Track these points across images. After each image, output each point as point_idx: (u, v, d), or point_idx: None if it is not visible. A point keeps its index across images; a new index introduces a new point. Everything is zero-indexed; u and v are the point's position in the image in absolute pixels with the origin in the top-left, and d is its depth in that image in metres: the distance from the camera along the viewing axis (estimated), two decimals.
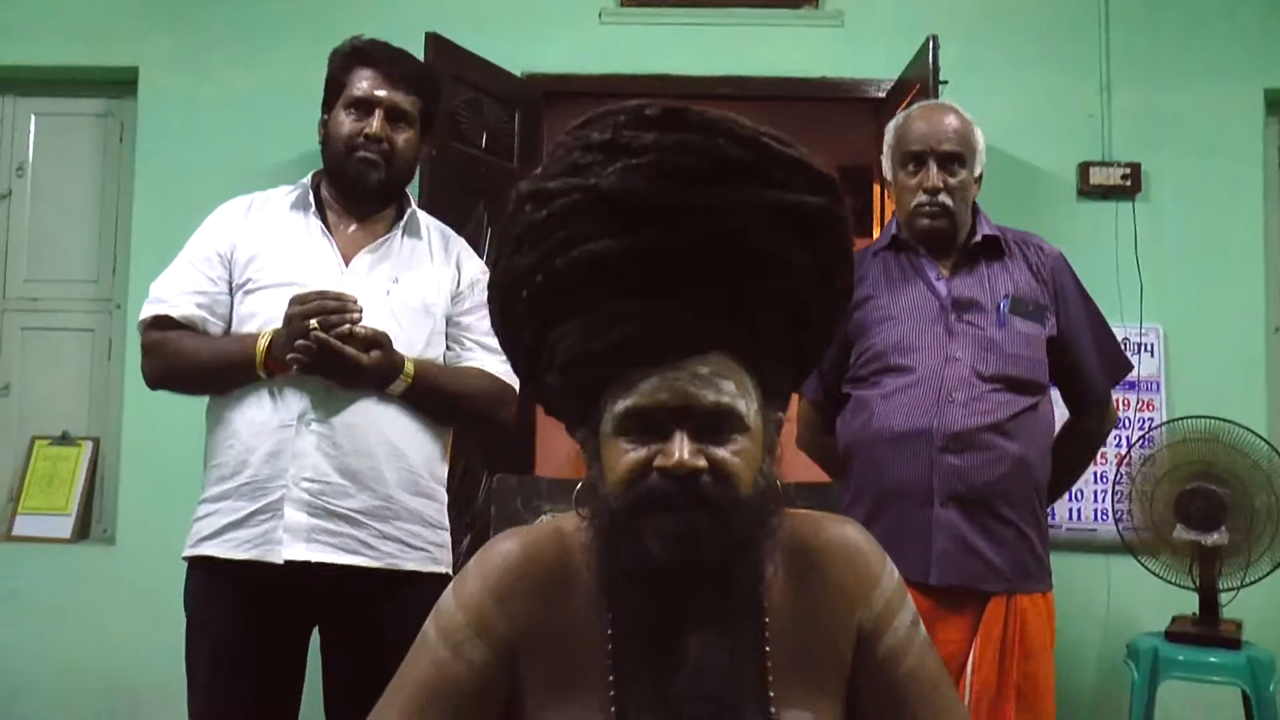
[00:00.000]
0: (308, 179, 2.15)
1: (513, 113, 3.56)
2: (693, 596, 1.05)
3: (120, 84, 3.76)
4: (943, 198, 2.21)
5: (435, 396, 2.06)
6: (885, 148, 2.34)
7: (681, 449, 1.02)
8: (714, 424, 1.04)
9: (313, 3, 3.60)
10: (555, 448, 3.68)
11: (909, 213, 2.25)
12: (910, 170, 2.25)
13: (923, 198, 2.22)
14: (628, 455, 1.04)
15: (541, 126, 3.66)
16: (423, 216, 2.20)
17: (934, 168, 2.21)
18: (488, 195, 3.37)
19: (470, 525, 3.27)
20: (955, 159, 2.22)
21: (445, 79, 3.24)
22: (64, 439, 3.73)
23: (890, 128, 2.33)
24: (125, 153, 3.78)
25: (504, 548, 1.16)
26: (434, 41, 3.24)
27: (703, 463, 1.02)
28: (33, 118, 3.86)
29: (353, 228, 2.13)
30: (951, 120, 2.24)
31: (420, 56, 3.14)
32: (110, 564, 3.52)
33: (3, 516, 3.71)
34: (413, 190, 3.10)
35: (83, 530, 3.68)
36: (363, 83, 2.09)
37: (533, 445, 3.62)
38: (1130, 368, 2.39)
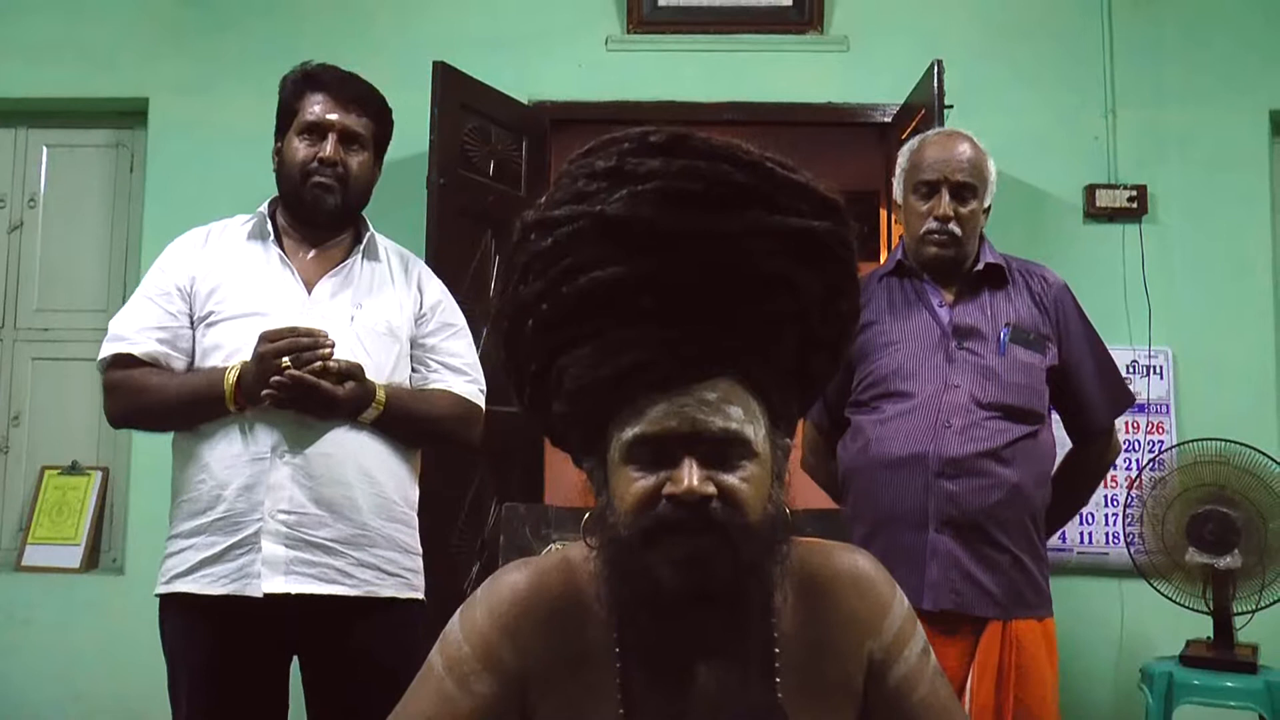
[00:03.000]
0: (264, 207, 2.15)
1: (520, 140, 3.57)
2: (703, 622, 1.05)
3: (130, 114, 3.80)
4: (952, 226, 2.22)
5: (406, 421, 2.06)
6: (898, 170, 2.34)
7: (691, 476, 1.01)
8: (722, 450, 1.04)
9: (321, 32, 3.63)
10: (564, 476, 3.67)
11: (917, 238, 2.26)
12: (922, 195, 2.25)
13: (932, 224, 2.23)
14: (637, 483, 1.04)
15: (549, 154, 3.68)
16: (380, 239, 2.20)
17: (946, 196, 2.22)
18: (495, 223, 3.38)
19: (480, 552, 3.27)
20: (967, 189, 2.23)
21: (452, 107, 3.27)
22: (73, 469, 3.74)
23: (904, 151, 2.34)
24: (135, 182, 3.81)
25: (511, 579, 1.16)
26: (441, 70, 3.25)
27: (712, 489, 1.02)
28: (44, 149, 3.89)
29: (311, 254, 2.12)
30: (966, 150, 2.25)
31: (428, 85, 3.18)
32: (120, 593, 3.51)
33: (13, 546, 3.72)
34: (419, 219, 3.16)
35: (92, 560, 3.68)
36: (315, 107, 2.09)
37: (542, 474, 3.61)
38: (1133, 400, 2.40)
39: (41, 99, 3.79)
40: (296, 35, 3.64)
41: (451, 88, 3.29)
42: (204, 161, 3.63)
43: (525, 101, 3.62)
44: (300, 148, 2.08)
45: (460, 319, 2.23)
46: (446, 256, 3.11)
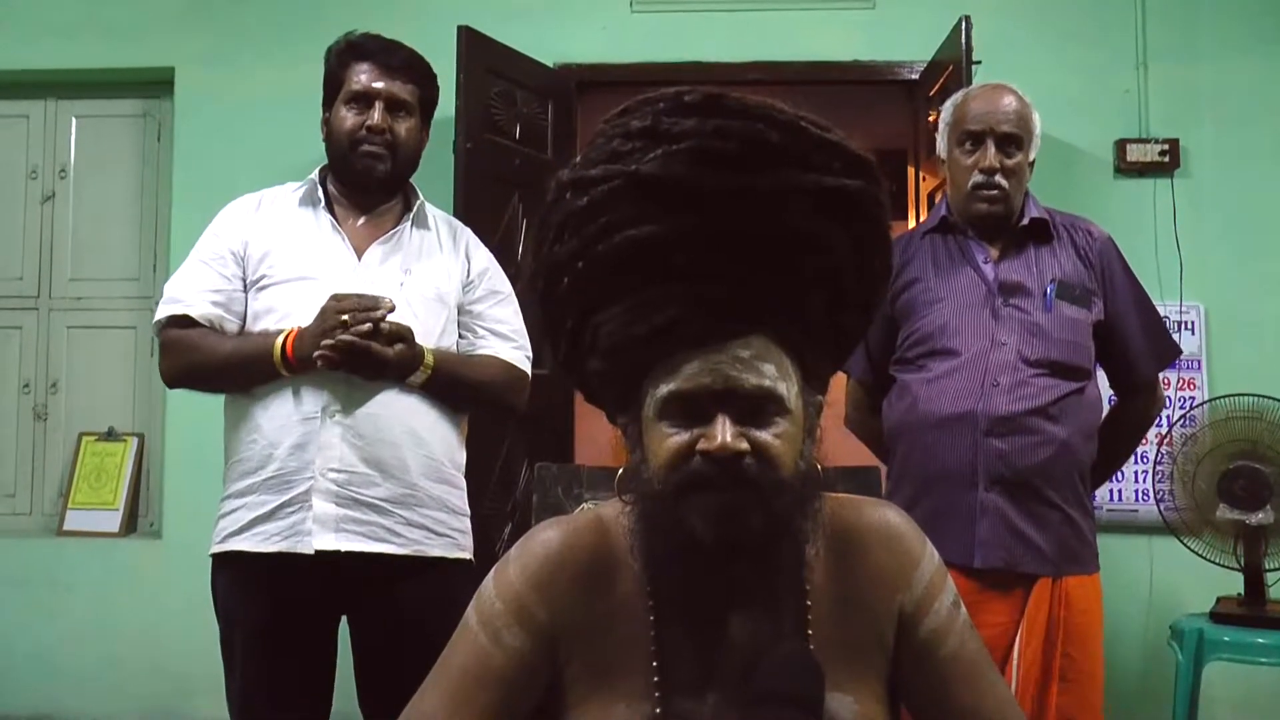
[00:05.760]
0: (315, 174, 2.17)
1: (546, 103, 3.57)
2: (736, 574, 1.07)
3: (157, 84, 3.82)
4: (998, 179, 2.20)
5: (453, 385, 2.08)
6: (941, 126, 2.33)
7: (724, 432, 1.02)
8: (756, 407, 1.05)
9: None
10: (595, 436, 3.69)
11: (965, 194, 2.24)
12: (967, 149, 2.24)
13: (979, 178, 2.21)
14: (671, 439, 1.05)
15: (575, 116, 3.68)
16: (430, 208, 2.23)
17: (992, 148, 2.20)
18: (522, 186, 3.39)
19: (512, 513, 3.30)
20: (1013, 141, 2.21)
21: (478, 71, 3.27)
22: (110, 435, 3.80)
23: (947, 106, 2.33)
24: (163, 152, 3.85)
25: (544, 537, 1.18)
26: (466, 35, 3.25)
27: (745, 445, 1.03)
28: (73, 120, 3.93)
29: (361, 221, 2.14)
30: (1011, 101, 2.23)
31: (453, 50, 3.18)
32: (158, 556, 3.59)
33: (54, 512, 3.79)
34: (448, 183, 3.17)
35: (130, 524, 3.75)
36: (361, 76, 2.11)
37: (573, 434, 3.64)
38: (1179, 353, 2.37)
39: (69, 70, 3.81)
40: (320, 3, 3.64)
41: (476, 52, 3.28)
42: (230, 130, 3.66)
43: (550, 64, 3.61)
44: (348, 117, 2.10)
45: (507, 286, 2.26)
46: (474, 220, 3.08)
